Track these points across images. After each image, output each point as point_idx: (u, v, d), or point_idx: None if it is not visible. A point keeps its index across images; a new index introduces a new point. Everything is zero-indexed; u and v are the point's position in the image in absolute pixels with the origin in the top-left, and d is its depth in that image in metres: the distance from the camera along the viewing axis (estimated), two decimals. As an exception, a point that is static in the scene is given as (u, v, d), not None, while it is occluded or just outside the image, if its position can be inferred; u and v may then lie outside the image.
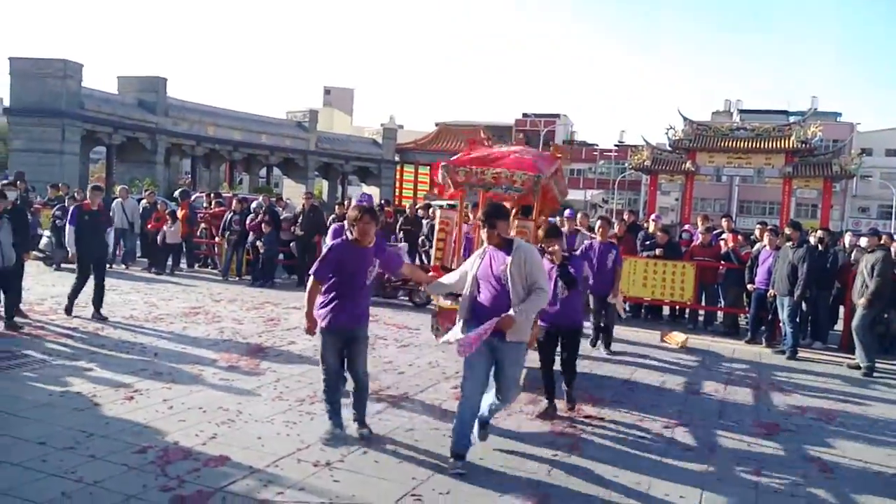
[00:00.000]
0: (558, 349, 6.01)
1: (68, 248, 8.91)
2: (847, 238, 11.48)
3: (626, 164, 46.67)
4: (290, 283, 13.56)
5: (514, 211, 7.33)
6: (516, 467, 4.52)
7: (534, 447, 4.93)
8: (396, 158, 45.80)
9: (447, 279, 4.90)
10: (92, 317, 8.51)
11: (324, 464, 4.34)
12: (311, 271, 4.72)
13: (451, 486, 4.13)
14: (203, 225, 15.57)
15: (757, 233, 10.99)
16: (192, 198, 19.23)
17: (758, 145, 32.69)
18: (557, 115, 65.08)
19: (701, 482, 4.49)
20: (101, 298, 8.69)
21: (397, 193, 42.87)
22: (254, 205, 14.39)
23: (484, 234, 4.42)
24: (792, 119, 40.88)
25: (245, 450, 4.47)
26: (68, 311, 8.60)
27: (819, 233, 10.69)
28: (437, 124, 53.33)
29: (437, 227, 7.81)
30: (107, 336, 7.72)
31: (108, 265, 9.41)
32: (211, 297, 11.19)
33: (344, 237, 4.84)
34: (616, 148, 59.09)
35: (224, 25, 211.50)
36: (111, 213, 11.78)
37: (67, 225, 8.71)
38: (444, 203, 12.59)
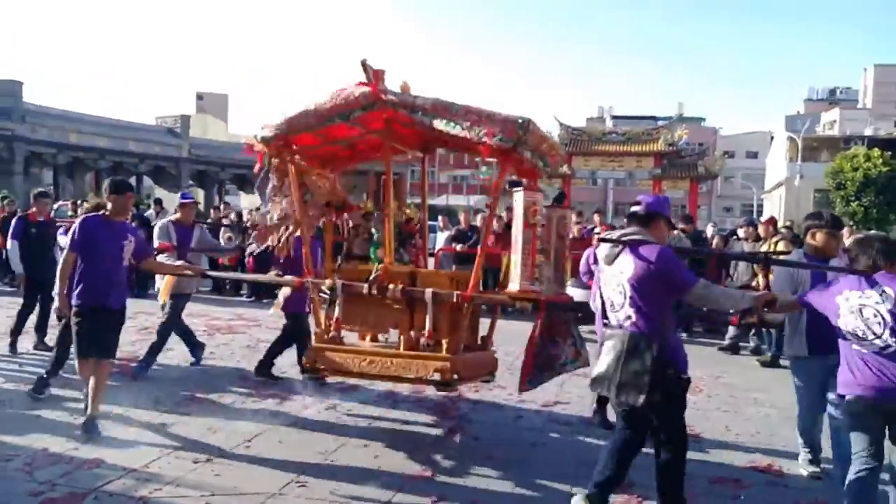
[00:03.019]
0: None
1: (13, 269, 7.42)
2: (710, 229, 12.79)
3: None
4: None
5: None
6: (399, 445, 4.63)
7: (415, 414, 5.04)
8: (279, 165, 44.67)
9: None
10: (35, 347, 7.28)
11: (204, 460, 4.25)
12: None
13: (335, 472, 4.16)
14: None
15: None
16: (58, 207, 18.10)
17: (629, 149, 34.67)
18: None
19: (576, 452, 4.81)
20: (46, 325, 7.25)
21: (281, 201, 41.89)
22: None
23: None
24: (660, 123, 43.65)
25: (120, 451, 4.29)
26: (13, 347, 7.06)
27: (681, 224, 11.55)
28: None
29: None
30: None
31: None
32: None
33: None
34: (498, 153, 60.68)
35: (86, 26, 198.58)
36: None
37: (10, 240, 7.19)
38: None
